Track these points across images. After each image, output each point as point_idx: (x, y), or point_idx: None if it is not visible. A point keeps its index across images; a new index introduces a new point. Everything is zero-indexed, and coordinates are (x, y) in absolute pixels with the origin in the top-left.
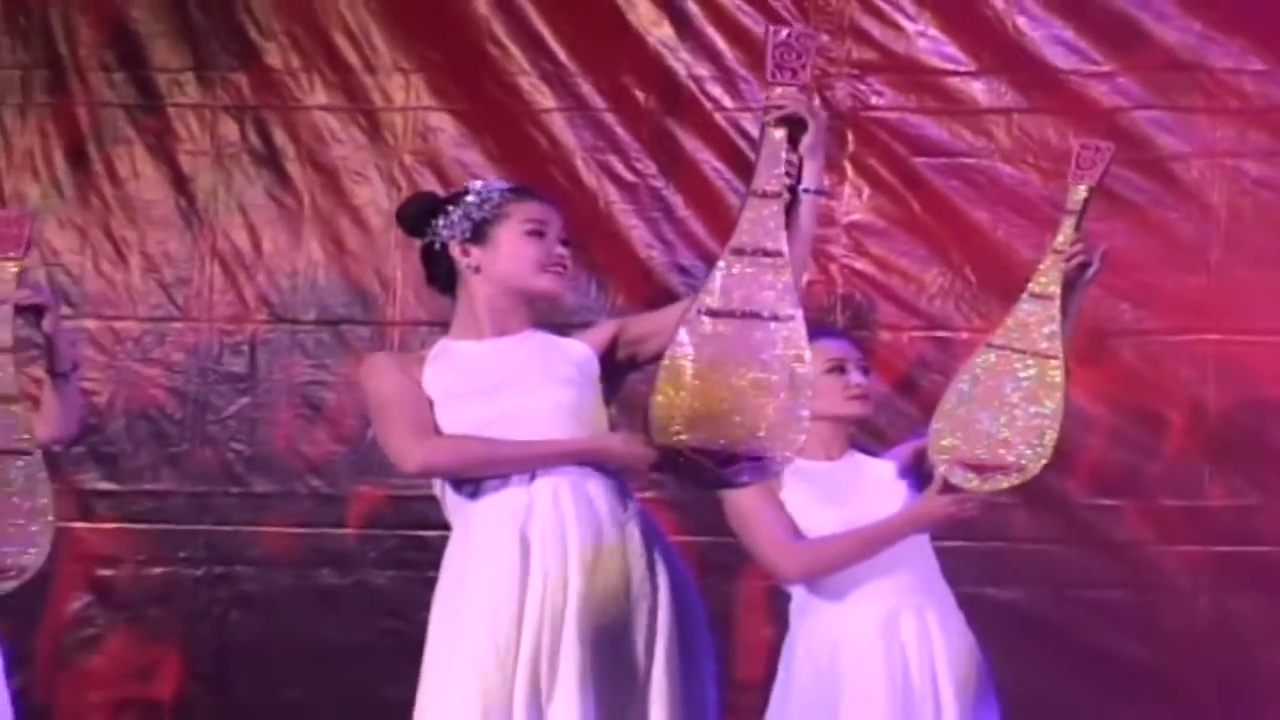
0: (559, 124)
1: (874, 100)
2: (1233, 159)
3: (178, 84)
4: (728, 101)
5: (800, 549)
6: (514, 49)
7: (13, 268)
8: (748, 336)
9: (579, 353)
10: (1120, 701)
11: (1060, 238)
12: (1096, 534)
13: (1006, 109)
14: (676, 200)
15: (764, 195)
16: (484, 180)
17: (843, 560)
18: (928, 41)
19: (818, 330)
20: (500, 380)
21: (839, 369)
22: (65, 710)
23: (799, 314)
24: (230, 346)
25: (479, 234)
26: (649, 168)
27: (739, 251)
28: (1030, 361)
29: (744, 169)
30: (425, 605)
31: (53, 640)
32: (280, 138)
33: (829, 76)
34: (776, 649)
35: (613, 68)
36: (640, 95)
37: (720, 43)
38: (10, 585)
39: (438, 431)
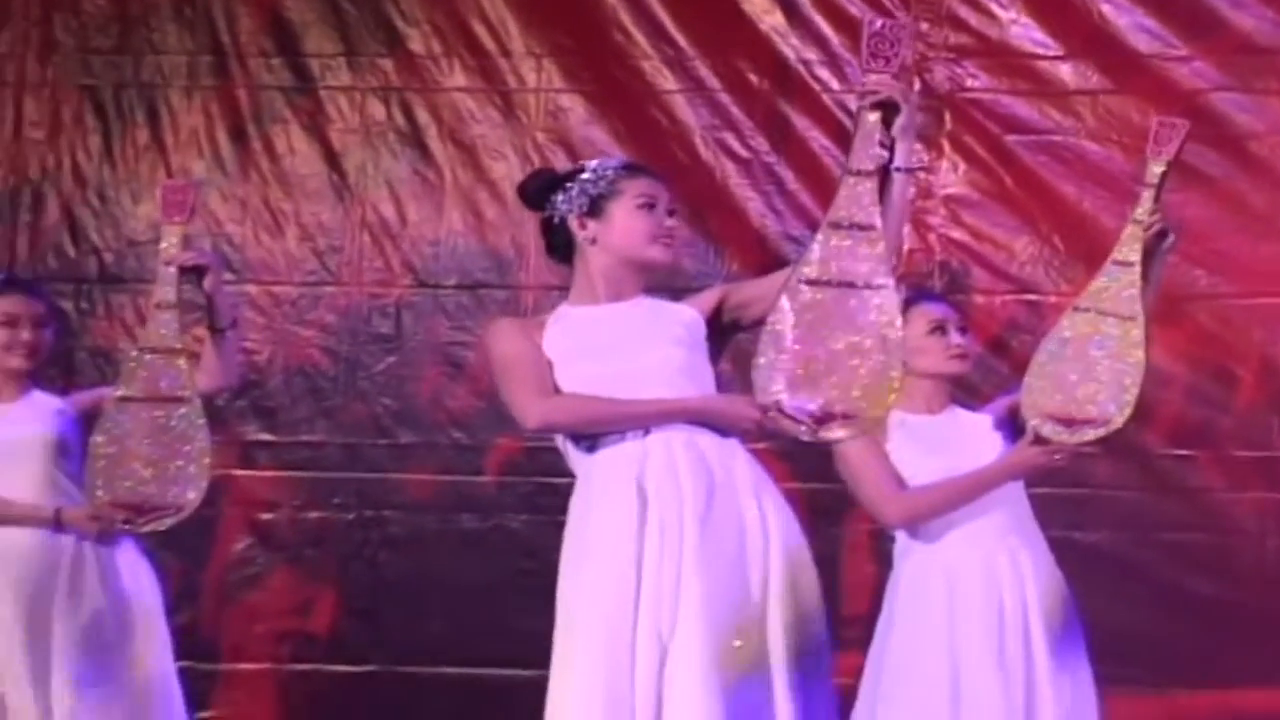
0: (679, 104)
1: (969, 82)
2: None
3: (330, 68)
4: (834, 84)
5: (902, 496)
6: (638, 35)
7: (178, 232)
8: (843, 304)
9: (687, 316)
10: (1194, 634)
11: (1140, 210)
12: (1173, 482)
13: (1092, 90)
14: (787, 174)
15: (859, 174)
16: (599, 158)
17: (941, 507)
18: (1019, 28)
19: (920, 294)
20: (614, 342)
21: (940, 330)
22: (230, 642)
23: (890, 283)
24: (378, 309)
25: (595, 209)
26: (762, 145)
27: (836, 225)
28: (1113, 323)
29: (848, 146)
30: (557, 546)
31: (218, 579)
32: (423, 117)
33: (928, 60)
34: (880, 586)
35: (728, 53)
36: (754, 78)
37: (827, 29)
38: (170, 521)
39: (557, 391)
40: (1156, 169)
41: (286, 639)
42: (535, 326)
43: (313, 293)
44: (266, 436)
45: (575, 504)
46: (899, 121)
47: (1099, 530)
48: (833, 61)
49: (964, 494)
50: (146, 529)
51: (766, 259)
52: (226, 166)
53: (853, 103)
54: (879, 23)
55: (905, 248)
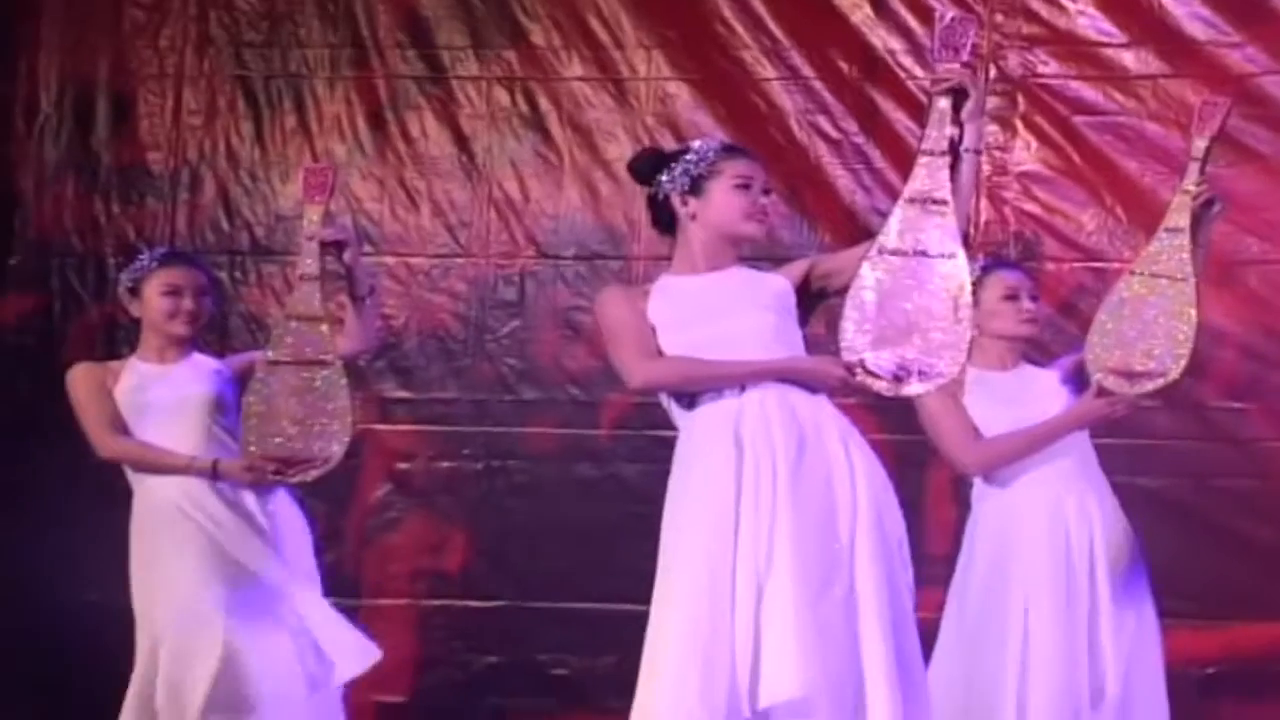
0: (776, 90)
1: (1040, 69)
2: None
3: (459, 60)
4: (917, 71)
5: (978, 445)
6: (739, 28)
7: (319, 210)
8: (918, 271)
9: (778, 285)
10: (1247, 572)
11: (1187, 180)
12: (1227, 432)
13: (1152, 75)
14: (874, 154)
15: (931, 154)
16: (702, 140)
17: (1013, 454)
18: (1086, 19)
19: (997, 262)
20: (712, 309)
21: (1013, 297)
22: (370, 580)
23: (961, 252)
24: (504, 278)
25: (695, 187)
26: (851, 127)
27: (911, 200)
28: (1166, 284)
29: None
30: (665, 493)
31: (360, 523)
32: (544, 104)
33: (1003, 49)
34: (960, 528)
35: (821, 43)
36: (844, 66)
37: (911, 21)
38: (317, 473)
39: (659, 353)
40: (1200, 143)
41: (421, 577)
42: (640, 294)
43: (444, 264)
44: (403, 394)
45: (678, 456)
46: (967, 106)
47: (1159, 477)
48: (916, 50)
49: (1035, 442)
50: (295, 480)
51: (855, 231)
52: (366, 149)
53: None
54: (949, 16)
55: (983, 220)
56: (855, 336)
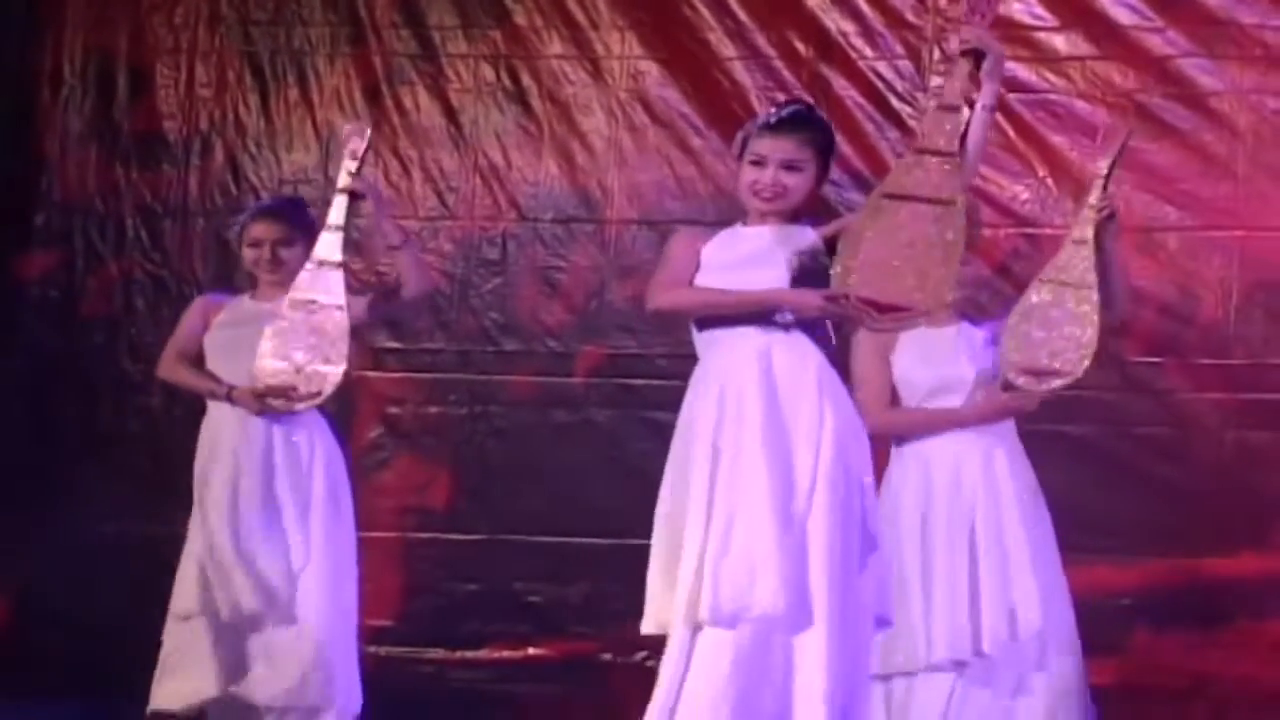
0: (738, 69)
1: None
2: (1257, 95)
3: (449, 38)
4: (868, 51)
5: (884, 413)
6: (704, 11)
7: (353, 165)
8: (915, 213)
9: (807, 241)
10: (1163, 513)
11: (1092, 197)
12: (1146, 384)
13: (1081, 56)
14: None
15: (947, 108)
16: (765, 111)
17: (911, 432)
18: (1021, 4)
19: None
20: (744, 258)
21: None
22: (362, 514)
23: (960, 200)
24: (487, 239)
25: (739, 154)
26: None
27: (921, 150)
28: (1072, 291)
29: (880, 104)
30: (635, 436)
31: (353, 462)
32: (526, 80)
33: (946, 31)
34: None
35: (779, 25)
36: (800, 46)
37: (863, 4)
38: (305, 406)
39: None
40: (1103, 164)
41: (409, 512)
42: (706, 237)
43: (433, 225)
44: (394, 344)
45: (693, 376)
46: (987, 65)
47: (1084, 425)
48: (867, 33)
49: (935, 427)
50: (300, 408)
51: (805, 200)
52: (363, 120)
53: (882, 68)
54: None
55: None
56: (846, 268)
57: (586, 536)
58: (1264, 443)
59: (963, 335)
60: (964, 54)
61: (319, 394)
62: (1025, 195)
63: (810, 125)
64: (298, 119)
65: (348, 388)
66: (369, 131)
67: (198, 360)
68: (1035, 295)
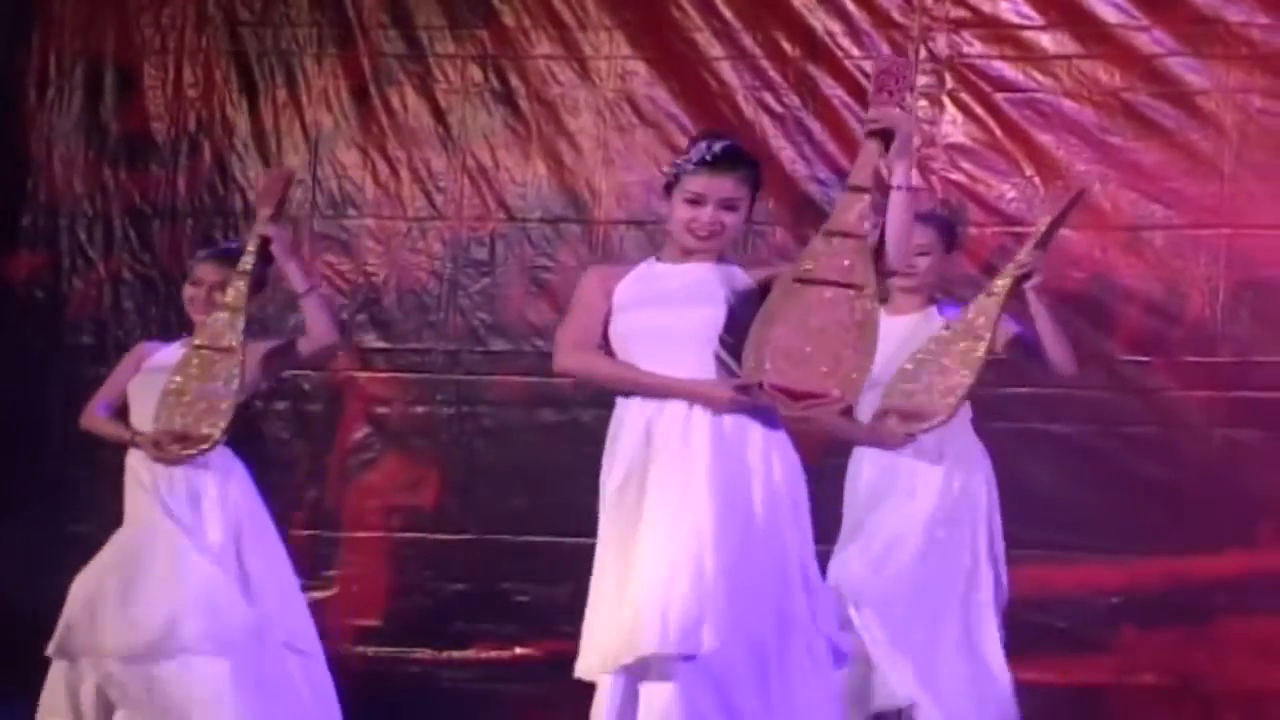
0: (725, 69)
1: (965, 49)
2: (1242, 93)
3: (436, 39)
4: (854, 51)
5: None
6: (691, 11)
7: (268, 211)
8: (825, 298)
9: (741, 283)
10: (1149, 511)
11: (1022, 253)
12: (1132, 383)
13: (1068, 55)
14: (815, 127)
15: (855, 190)
16: (697, 145)
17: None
18: (1008, 3)
19: None
20: (670, 297)
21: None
22: (349, 514)
23: (871, 285)
24: (475, 239)
25: (668, 189)
26: (794, 102)
27: (830, 233)
28: (968, 343)
29: (867, 103)
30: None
31: (341, 461)
32: (514, 80)
33: (932, 31)
34: None
35: (766, 25)
36: (787, 46)
37: (849, 4)
38: (195, 453)
39: (605, 343)
40: (1041, 223)
41: (396, 512)
42: (618, 275)
43: (422, 226)
44: (382, 344)
45: (610, 434)
46: (895, 145)
47: (1071, 424)
48: (854, 32)
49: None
50: (182, 457)
51: (795, 198)
52: (351, 121)
53: (870, 67)
54: (886, 60)
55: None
56: (759, 355)
57: (574, 536)
58: (1251, 440)
59: (922, 322)
60: (871, 134)
61: (206, 440)
62: (1012, 194)
63: (746, 163)
64: (286, 120)
65: (336, 388)
66: (292, 176)
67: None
68: (934, 342)
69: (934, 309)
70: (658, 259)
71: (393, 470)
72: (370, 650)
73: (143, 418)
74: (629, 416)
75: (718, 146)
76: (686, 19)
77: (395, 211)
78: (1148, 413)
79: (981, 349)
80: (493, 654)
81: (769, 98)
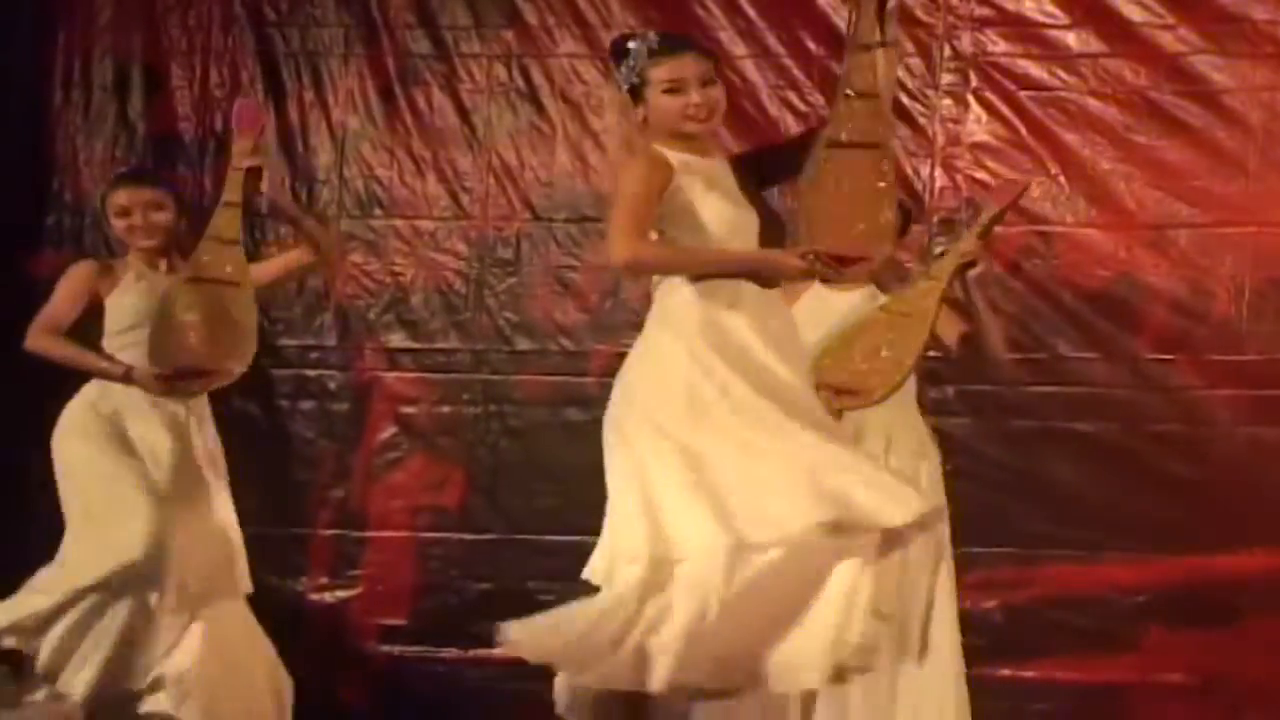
0: (750, 67)
1: (990, 48)
2: (1269, 92)
3: (462, 38)
4: None
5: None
6: (715, 10)
7: (248, 142)
8: (850, 162)
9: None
10: (1176, 510)
11: (963, 244)
12: (1158, 382)
13: (1093, 54)
14: None
15: (864, 48)
16: (636, 38)
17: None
18: (1032, 1)
19: None
20: (725, 188)
21: None
22: (375, 514)
23: (891, 142)
24: (501, 239)
25: (636, 94)
26: (818, 100)
27: (849, 95)
28: (909, 321)
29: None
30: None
31: (367, 461)
32: (538, 79)
33: (957, 29)
34: None
35: (790, 23)
36: (811, 45)
37: None
38: (213, 385)
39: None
40: (988, 212)
41: (422, 511)
42: (664, 165)
43: (448, 226)
44: (409, 344)
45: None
46: (891, 3)
47: (1096, 422)
48: None
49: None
50: (195, 390)
51: None
52: (377, 121)
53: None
54: None
55: (938, 186)
56: (810, 225)
57: (598, 535)
58: (1277, 439)
59: (865, 304)
60: None
61: (229, 375)
62: (1036, 192)
63: (688, 39)
64: (312, 120)
65: (362, 387)
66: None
67: (73, 333)
68: (872, 318)
69: (875, 289)
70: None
71: (419, 470)
72: (396, 649)
73: (120, 349)
74: (704, 299)
75: (653, 35)
76: (710, 17)
77: (421, 211)
78: (1173, 411)
79: (923, 331)
80: None
81: (793, 96)
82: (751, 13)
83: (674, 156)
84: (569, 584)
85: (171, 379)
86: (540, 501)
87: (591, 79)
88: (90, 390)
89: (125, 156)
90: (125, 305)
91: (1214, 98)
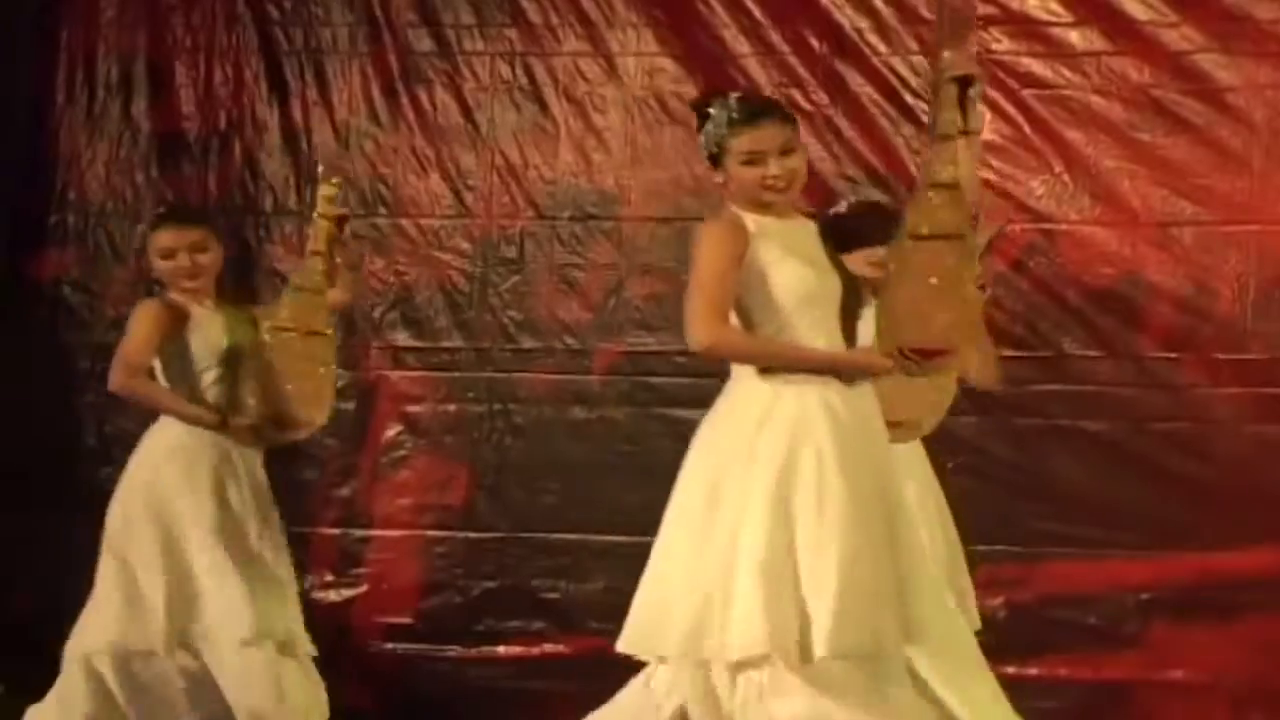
0: (753, 65)
1: (994, 46)
2: (1273, 90)
3: (465, 37)
4: (882, 48)
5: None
6: (719, 7)
7: (333, 191)
8: (935, 253)
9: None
10: (1181, 507)
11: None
12: (1162, 379)
13: (1096, 52)
14: (843, 124)
15: (944, 138)
16: (720, 103)
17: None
18: (1036, 0)
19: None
20: (807, 255)
21: None
22: (380, 512)
23: (970, 233)
24: (505, 237)
25: (716, 161)
26: (822, 99)
27: (930, 186)
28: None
29: (895, 100)
30: (653, 433)
31: (372, 460)
32: (542, 77)
33: None
34: None
35: (794, 22)
36: (815, 43)
37: (878, 1)
38: (300, 435)
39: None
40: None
41: (427, 509)
42: (743, 230)
43: (451, 224)
44: (414, 343)
45: (733, 403)
46: (973, 90)
47: (1102, 420)
48: (882, 29)
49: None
50: (284, 440)
51: (823, 195)
52: (380, 120)
53: (897, 64)
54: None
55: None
56: (891, 322)
57: (604, 534)
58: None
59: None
60: (950, 80)
61: (310, 425)
62: (1040, 190)
63: (774, 105)
64: (316, 118)
65: (367, 386)
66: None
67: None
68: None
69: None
70: (750, 213)
71: (424, 468)
72: (401, 647)
73: (190, 394)
74: (787, 395)
75: (734, 102)
76: (714, 16)
77: (425, 210)
78: (1178, 409)
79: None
80: (523, 651)
81: (797, 95)
82: (755, 11)
83: (751, 220)
84: (573, 582)
85: (258, 428)
86: (545, 499)
87: (594, 77)
88: (180, 434)
89: (129, 155)
90: (208, 344)
91: (1218, 96)
